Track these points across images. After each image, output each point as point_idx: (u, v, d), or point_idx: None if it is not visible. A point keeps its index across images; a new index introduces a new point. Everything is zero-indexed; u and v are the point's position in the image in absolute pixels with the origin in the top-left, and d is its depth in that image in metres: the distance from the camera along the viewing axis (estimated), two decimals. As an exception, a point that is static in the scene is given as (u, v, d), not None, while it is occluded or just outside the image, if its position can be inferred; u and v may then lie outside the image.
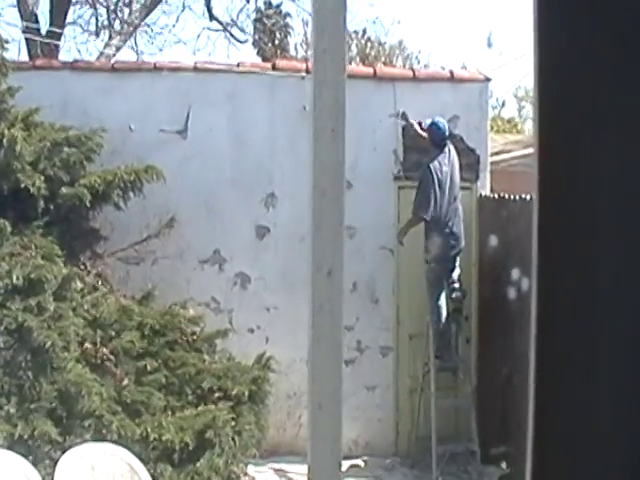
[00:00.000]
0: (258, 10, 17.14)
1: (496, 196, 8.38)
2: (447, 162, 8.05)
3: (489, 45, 17.47)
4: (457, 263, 8.17)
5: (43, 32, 13.03)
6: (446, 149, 8.09)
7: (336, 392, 1.65)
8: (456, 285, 8.22)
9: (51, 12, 13.39)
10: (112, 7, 14.61)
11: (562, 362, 0.78)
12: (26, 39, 12.87)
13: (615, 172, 0.77)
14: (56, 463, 5.26)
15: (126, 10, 14.52)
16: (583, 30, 0.75)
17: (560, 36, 0.77)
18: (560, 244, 0.79)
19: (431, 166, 7.95)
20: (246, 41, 16.38)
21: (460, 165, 8.17)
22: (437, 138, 8.11)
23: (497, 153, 11.01)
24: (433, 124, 8.14)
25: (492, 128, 12.49)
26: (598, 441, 0.75)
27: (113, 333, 6.92)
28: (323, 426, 1.63)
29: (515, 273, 7.75)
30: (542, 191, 0.79)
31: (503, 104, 24.58)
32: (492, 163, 9.25)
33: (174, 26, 16.29)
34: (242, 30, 16.11)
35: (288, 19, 18.87)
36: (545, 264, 0.80)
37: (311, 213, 1.67)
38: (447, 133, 8.15)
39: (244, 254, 8.47)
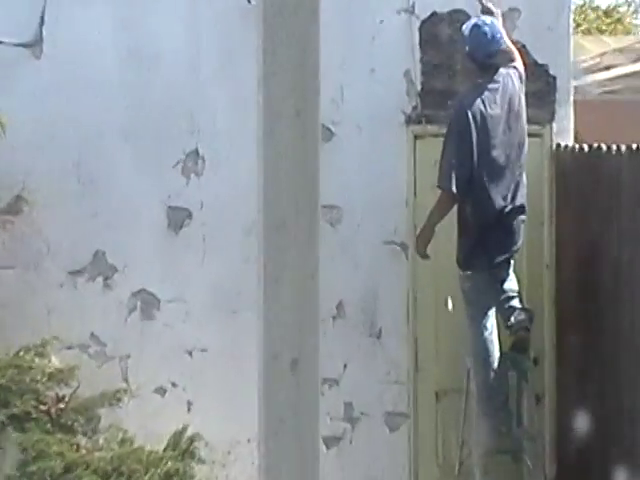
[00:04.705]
0: None
1: (585, 148, 6.07)
2: (498, 98, 5.90)
3: None
4: (512, 268, 6.01)
5: None
6: (498, 73, 5.88)
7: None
8: (515, 303, 5.95)
9: None
10: None
11: None
12: None
13: None
14: None
15: None
16: None
17: None
18: None
19: (468, 111, 5.89)
20: None
21: (526, 98, 5.97)
22: (480, 53, 5.83)
23: (587, 71, 9.01)
24: (474, 27, 5.82)
25: (578, 27, 10.24)
26: None
27: None
28: None
29: (623, 277, 5.47)
30: None
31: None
32: (577, 89, 6.99)
33: None
34: None
35: None
36: None
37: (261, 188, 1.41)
38: (500, 44, 5.82)
39: (148, 258, 6.34)
